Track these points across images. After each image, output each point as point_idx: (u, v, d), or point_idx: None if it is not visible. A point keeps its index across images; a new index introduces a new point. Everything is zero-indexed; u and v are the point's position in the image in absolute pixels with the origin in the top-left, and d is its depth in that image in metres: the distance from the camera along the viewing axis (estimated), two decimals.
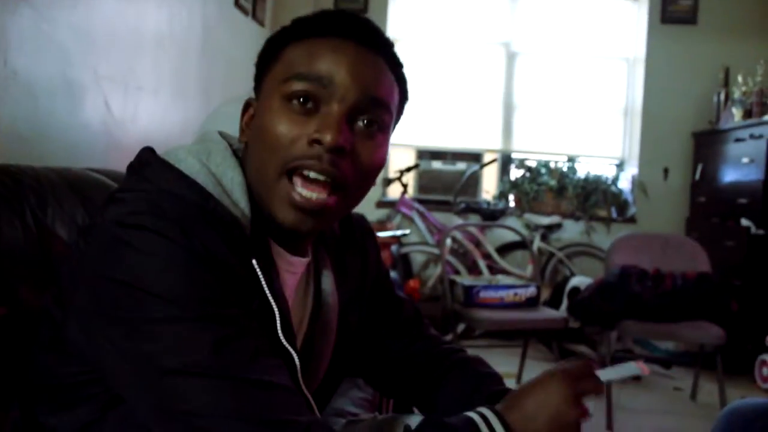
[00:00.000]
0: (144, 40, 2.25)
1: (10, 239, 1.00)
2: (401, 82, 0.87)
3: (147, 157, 0.82)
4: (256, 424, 0.67)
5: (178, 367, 0.67)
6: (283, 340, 0.79)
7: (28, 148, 1.53)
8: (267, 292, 0.78)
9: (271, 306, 0.79)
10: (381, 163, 0.83)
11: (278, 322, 0.79)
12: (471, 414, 0.79)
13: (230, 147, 0.85)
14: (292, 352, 0.80)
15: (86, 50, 1.83)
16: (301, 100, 0.78)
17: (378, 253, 1.07)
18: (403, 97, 0.89)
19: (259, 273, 0.78)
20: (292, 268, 0.88)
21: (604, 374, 0.87)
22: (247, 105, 0.87)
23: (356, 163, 0.80)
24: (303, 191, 0.77)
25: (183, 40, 2.52)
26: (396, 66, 0.86)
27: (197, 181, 0.78)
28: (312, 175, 0.77)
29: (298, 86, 0.78)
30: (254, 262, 0.77)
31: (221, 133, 0.88)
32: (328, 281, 0.95)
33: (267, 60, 0.84)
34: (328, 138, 0.76)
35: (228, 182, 0.80)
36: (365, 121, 0.81)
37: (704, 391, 3.38)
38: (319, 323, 0.94)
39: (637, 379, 3.65)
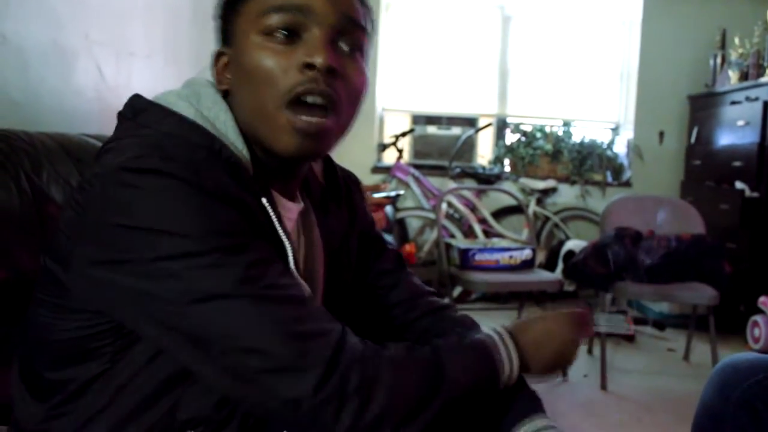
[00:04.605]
0: (135, 5, 2.22)
1: (6, 203, 1.00)
2: (368, 10, 0.88)
3: (139, 103, 0.82)
4: (293, 336, 0.70)
5: (209, 293, 0.69)
6: (296, 276, 0.81)
7: (20, 114, 1.52)
8: (279, 229, 0.80)
9: (282, 243, 0.80)
10: (366, 85, 0.85)
11: (290, 257, 0.81)
12: (488, 331, 0.87)
13: (218, 91, 0.86)
14: (305, 286, 0.82)
15: (77, 15, 1.81)
16: (283, 31, 0.79)
17: (365, 205, 1.09)
18: (371, 25, 0.89)
19: (270, 211, 0.79)
20: (288, 213, 0.89)
21: (598, 324, 0.98)
22: (218, 55, 0.87)
23: (346, 84, 0.81)
24: (304, 117, 0.78)
25: (174, 6, 2.49)
26: None
27: (197, 122, 0.79)
28: (310, 99, 0.78)
29: (276, 19, 0.79)
30: (264, 200, 0.79)
31: (206, 79, 0.88)
32: (314, 232, 0.97)
33: (233, 4, 0.84)
34: (319, 60, 0.77)
35: (221, 125, 0.81)
36: (346, 44, 0.82)
37: (697, 351, 3.43)
38: (305, 271, 0.95)
39: (629, 339, 3.70)
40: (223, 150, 0.78)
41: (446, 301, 1.09)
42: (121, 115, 0.83)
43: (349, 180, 1.07)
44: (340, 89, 0.80)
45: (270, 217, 0.80)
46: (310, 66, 0.78)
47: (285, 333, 0.70)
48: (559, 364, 0.91)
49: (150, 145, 0.74)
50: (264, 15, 0.79)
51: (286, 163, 0.86)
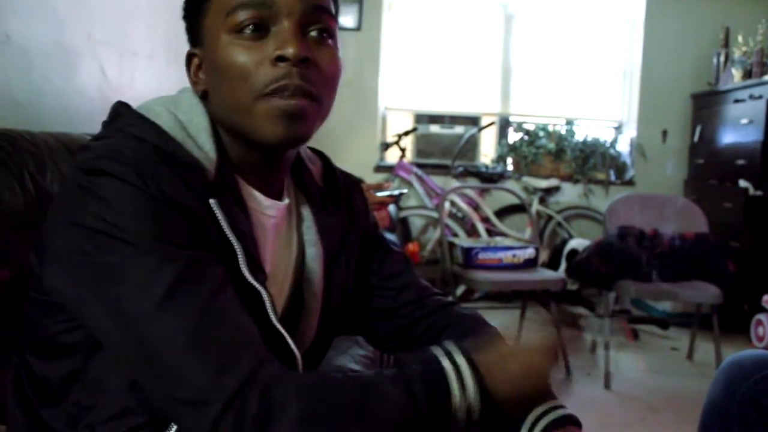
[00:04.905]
0: (138, 5, 2.23)
1: (10, 203, 1.00)
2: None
3: (118, 109, 0.84)
4: (207, 364, 0.68)
5: (137, 308, 0.69)
6: (248, 276, 0.80)
7: (23, 114, 1.52)
8: (226, 229, 0.79)
9: (231, 244, 0.79)
10: (339, 69, 0.85)
11: (240, 258, 0.80)
12: (445, 362, 0.78)
13: (199, 95, 0.86)
14: (259, 286, 0.81)
15: (80, 15, 1.81)
16: (251, 27, 0.79)
17: (366, 206, 1.08)
18: (337, 9, 0.89)
19: (217, 212, 0.78)
20: (267, 210, 0.89)
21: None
22: (189, 57, 0.88)
23: (320, 71, 0.82)
24: (282, 100, 0.79)
25: (177, 5, 2.49)
26: None
27: (162, 126, 0.80)
28: (287, 95, 0.79)
29: (244, 15, 0.79)
30: (212, 201, 0.78)
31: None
32: (310, 231, 0.96)
33: (198, 4, 0.84)
34: (290, 51, 0.77)
35: (194, 128, 0.82)
36: (316, 32, 0.82)
37: (700, 350, 3.42)
38: (304, 272, 0.96)
39: (634, 338, 3.70)
40: (177, 150, 0.78)
41: (451, 299, 1.08)
42: (104, 121, 0.85)
43: (349, 181, 1.07)
44: (315, 78, 0.81)
45: (218, 219, 0.79)
46: (282, 58, 0.78)
47: (197, 359, 0.69)
48: (531, 383, 0.82)
49: (106, 146, 0.76)
50: (231, 13, 0.80)
51: (269, 154, 0.86)
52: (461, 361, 0.78)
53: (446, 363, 0.78)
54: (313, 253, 0.96)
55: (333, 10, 0.85)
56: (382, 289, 1.05)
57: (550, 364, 0.82)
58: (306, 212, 0.97)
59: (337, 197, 1.01)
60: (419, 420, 0.74)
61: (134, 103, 0.86)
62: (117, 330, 0.71)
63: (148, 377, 0.72)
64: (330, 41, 0.84)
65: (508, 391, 0.79)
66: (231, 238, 0.79)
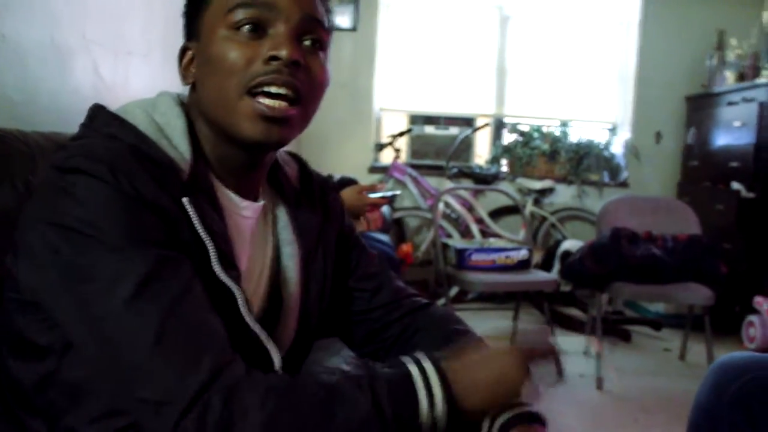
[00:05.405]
0: (133, 4, 2.22)
1: (1, 203, 1.00)
2: (329, 10, 0.91)
3: (95, 110, 0.85)
4: (170, 365, 0.69)
5: (105, 306, 0.70)
6: (219, 274, 0.80)
7: (16, 113, 1.51)
8: (198, 228, 0.79)
9: (203, 243, 0.80)
10: (327, 80, 0.88)
11: (212, 255, 0.80)
12: (411, 366, 0.78)
13: (177, 100, 0.88)
14: (232, 284, 0.81)
15: (75, 14, 1.81)
16: (248, 26, 0.82)
17: (341, 208, 1.09)
18: (331, 26, 0.92)
19: (190, 210, 0.79)
20: (243, 211, 0.90)
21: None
22: (184, 50, 0.90)
23: (309, 77, 0.84)
24: (267, 101, 0.81)
25: (172, 3, 2.48)
26: None
27: (138, 127, 0.81)
28: (274, 90, 0.81)
29: (243, 13, 0.82)
30: (184, 200, 0.79)
31: (176, 93, 0.91)
32: (286, 231, 0.98)
33: (199, 1, 0.86)
34: (284, 53, 0.80)
35: (170, 129, 0.83)
36: (309, 41, 0.85)
37: (693, 351, 3.44)
38: (280, 271, 0.97)
39: (626, 340, 3.71)
40: (151, 150, 0.79)
41: (426, 301, 1.08)
42: (82, 122, 0.86)
43: (324, 184, 1.08)
44: (304, 81, 0.83)
45: (190, 217, 0.79)
46: (275, 58, 0.80)
47: (161, 360, 0.69)
48: (501, 391, 0.81)
49: (82, 145, 0.77)
50: (231, 10, 0.82)
51: (247, 154, 0.87)
52: (428, 366, 0.78)
53: (413, 368, 0.77)
54: (289, 252, 0.97)
55: (327, 25, 0.88)
56: (357, 290, 1.06)
57: (523, 369, 0.80)
58: (281, 213, 0.98)
59: (312, 198, 1.03)
60: (384, 427, 0.73)
61: None
62: (83, 328, 0.72)
63: (113, 377, 0.72)
64: (321, 53, 0.87)
65: (476, 398, 0.78)
66: (202, 235, 0.80)
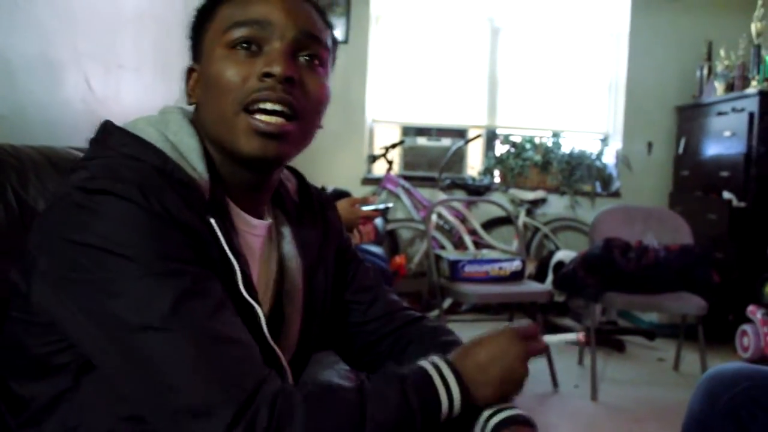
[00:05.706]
0: (124, 16, 2.22)
1: None
2: (329, 27, 0.92)
3: (108, 128, 0.85)
4: (214, 378, 0.70)
5: (140, 323, 0.70)
6: (245, 294, 0.82)
7: (7, 127, 1.51)
8: (226, 248, 0.80)
9: (231, 263, 0.81)
10: (327, 96, 0.88)
11: (239, 277, 0.81)
12: (423, 363, 0.83)
13: (187, 117, 0.89)
14: (255, 305, 0.83)
15: (65, 27, 1.81)
16: (244, 44, 0.83)
17: (340, 221, 1.11)
18: (333, 41, 0.93)
19: (218, 230, 0.80)
20: (254, 230, 0.91)
21: (548, 337, 0.94)
22: (189, 71, 0.91)
23: (306, 93, 0.85)
24: (263, 117, 0.82)
25: (164, 17, 2.49)
26: (322, 13, 0.92)
27: (155, 146, 0.81)
28: (269, 106, 0.81)
29: (239, 33, 0.83)
30: (212, 220, 0.80)
31: (179, 107, 0.91)
32: (289, 246, 0.98)
33: (201, 23, 0.88)
34: (278, 69, 0.81)
35: (185, 148, 0.84)
36: (306, 57, 0.86)
37: (686, 361, 3.44)
38: (285, 286, 0.97)
39: (620, 350, 3.71)
40: (175, 171, 0.80)
41: (419, 314, 1.10)
42: (93, 139, 0.85)
43: (323, 198, 1.09)
44: (299, 97, 0.84)
45: (218, 237, 0.80)
46: (268, 75, 0.81)
47: (204, 373, 0.70)
48: (509, 388, 0.85)
49: (105, 165, 0.77)
50: (228, 30, 0.84)
51: (252, 173, 0.88)
52: (441, 363, 0.83)
53: (426, 364, 0.83)
54: (293, 267, 0.98)
55: (326, 41, 0.89)
56: (353, 302, 1.07)
57: (522, 347, 0.85)
58: (285, 229, 0.99)
59: (312, 214, 1.03)
60: (412, 418, 0.77)
61: (119, 117, 0.86)
62: (111, 345, 0.71)
63: (147, 392, 0.72)
64: (320, 69, 0.87)
65: (479, 378, 0.83)
66: (231, 257, 0.81)
